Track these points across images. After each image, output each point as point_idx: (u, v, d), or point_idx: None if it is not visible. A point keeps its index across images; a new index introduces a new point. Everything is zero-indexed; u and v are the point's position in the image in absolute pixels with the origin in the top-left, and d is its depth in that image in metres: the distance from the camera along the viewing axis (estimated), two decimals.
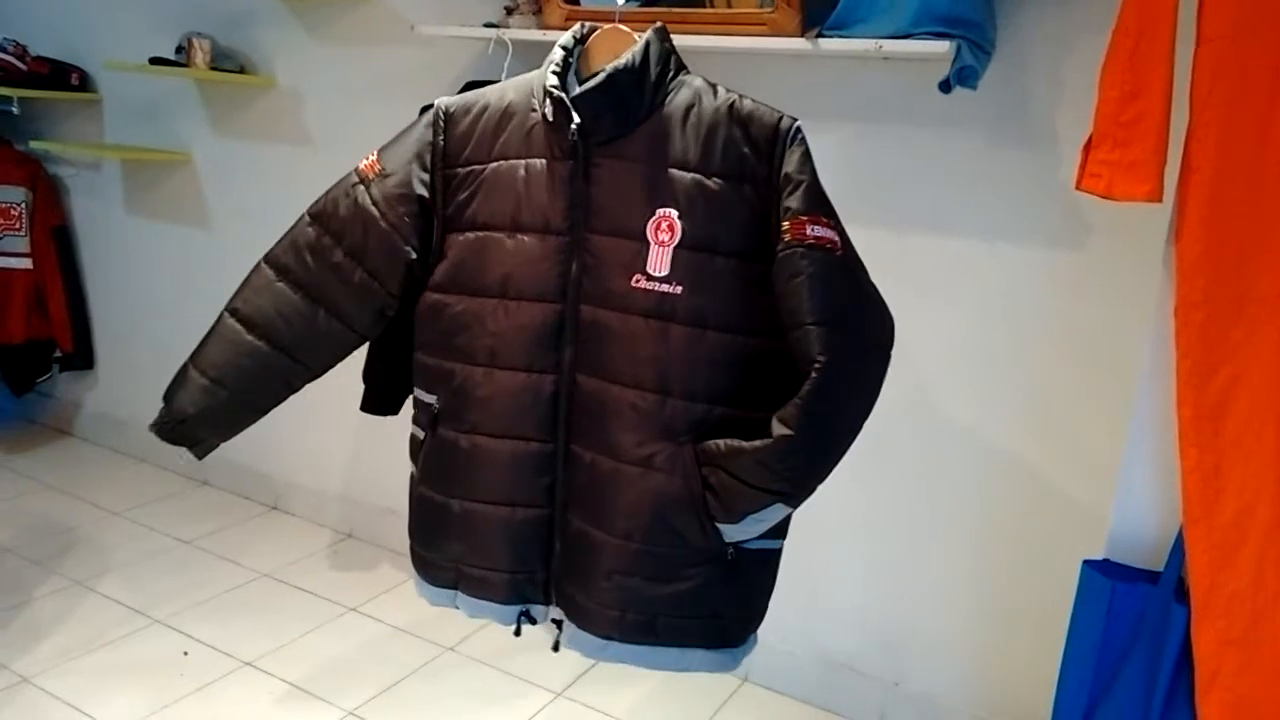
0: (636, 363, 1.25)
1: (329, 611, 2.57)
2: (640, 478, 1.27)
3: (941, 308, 1.98)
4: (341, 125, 2.74)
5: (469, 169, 1.34)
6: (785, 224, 1.19)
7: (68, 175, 3.46)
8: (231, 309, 1.44)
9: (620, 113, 1.25)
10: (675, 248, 1.23)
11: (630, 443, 1.27)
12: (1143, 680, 1.31)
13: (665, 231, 1.23)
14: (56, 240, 3.41)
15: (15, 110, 3.15)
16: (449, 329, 1.36)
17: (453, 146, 1.35)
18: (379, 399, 2.39)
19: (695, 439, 1.25)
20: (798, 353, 1.18)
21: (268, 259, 1.44)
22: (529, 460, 1.35)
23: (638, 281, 1.24)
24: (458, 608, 1.49)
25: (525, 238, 1.30)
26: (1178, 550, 1.31)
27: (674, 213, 1.23)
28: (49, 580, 2.62)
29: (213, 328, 1.46)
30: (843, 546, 2.19)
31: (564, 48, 1.32)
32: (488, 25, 2.18)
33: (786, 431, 1.17)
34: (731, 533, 1.28)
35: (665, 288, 1.23)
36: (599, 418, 1.30)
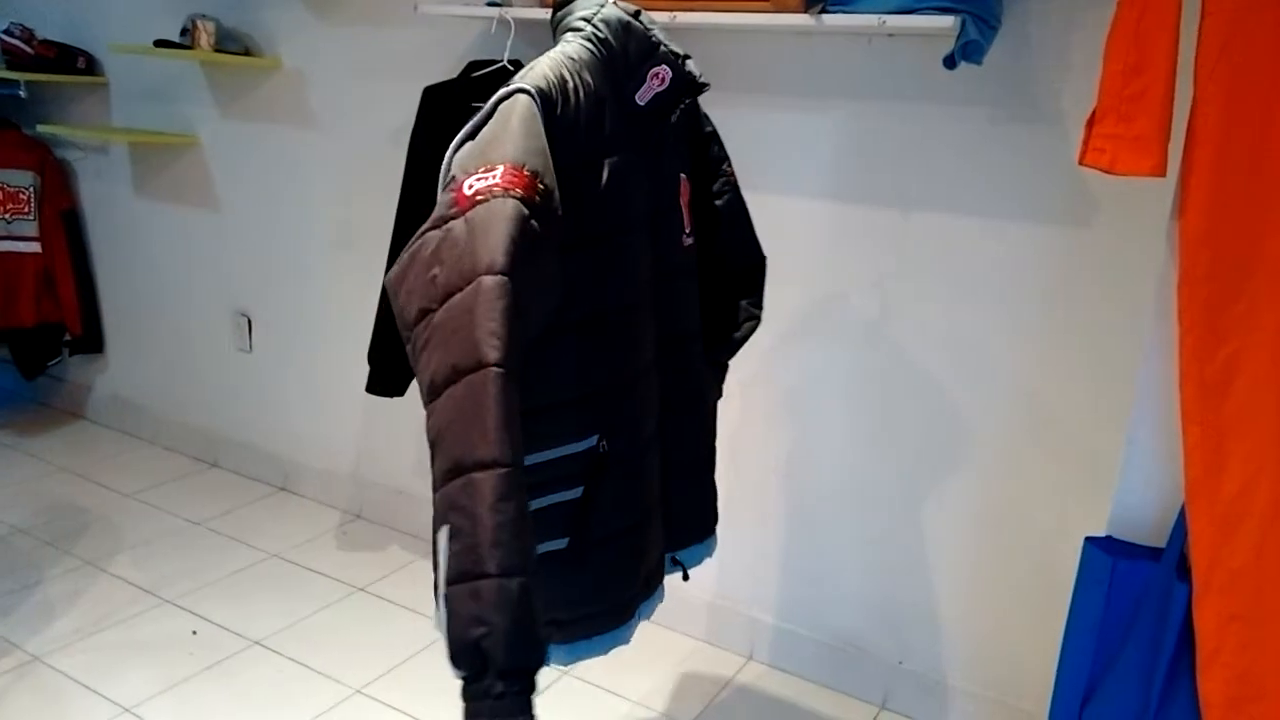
0: (690, 311, 1.41)
1: (337, 591, 2.59)
2: (708, 401, 1.49)
3: (944, 285, 1.97)
4: (347, 106, 2.73)
5: (584, 168, 1.16)
6: (727, 168, 1.49)
7: (76, 159, 3.48)
8: (514, 462, 0.95)
9: None
10: (687, 205, 1.36)
11: (703, 378, 1.46)
12: (1144, 657, 1.31)
13: (684, 194, 1.36)
14: (65, 224, 3.44)
15: (23, 94, 3.16)
16: (607, 359, 1.22)
17: (562, 145, 1.12)
18: (385, 380, 2.38)
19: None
20: (741, 254, 1.54)
21: (505, 365, 0.95)
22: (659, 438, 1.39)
23: (686, 242, 1.36)
24: (641, 620, 1.38)
25: (639, 236, 1.25)
26: (1180, 527, 1.30)
27: (684, 175, 1.36)
28: (61, 561, 2.65)
29: (511, 508, 0.94)
30: (845, 525, 2.20)
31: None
32: (490, 4, 2.18)
33: (760, 312, 1.55)
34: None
35: (690, 240, 1.37)
36: (680, 370, 1.39)
